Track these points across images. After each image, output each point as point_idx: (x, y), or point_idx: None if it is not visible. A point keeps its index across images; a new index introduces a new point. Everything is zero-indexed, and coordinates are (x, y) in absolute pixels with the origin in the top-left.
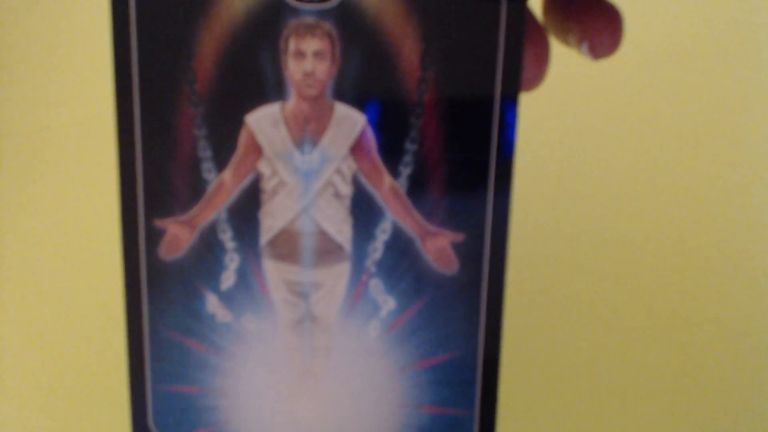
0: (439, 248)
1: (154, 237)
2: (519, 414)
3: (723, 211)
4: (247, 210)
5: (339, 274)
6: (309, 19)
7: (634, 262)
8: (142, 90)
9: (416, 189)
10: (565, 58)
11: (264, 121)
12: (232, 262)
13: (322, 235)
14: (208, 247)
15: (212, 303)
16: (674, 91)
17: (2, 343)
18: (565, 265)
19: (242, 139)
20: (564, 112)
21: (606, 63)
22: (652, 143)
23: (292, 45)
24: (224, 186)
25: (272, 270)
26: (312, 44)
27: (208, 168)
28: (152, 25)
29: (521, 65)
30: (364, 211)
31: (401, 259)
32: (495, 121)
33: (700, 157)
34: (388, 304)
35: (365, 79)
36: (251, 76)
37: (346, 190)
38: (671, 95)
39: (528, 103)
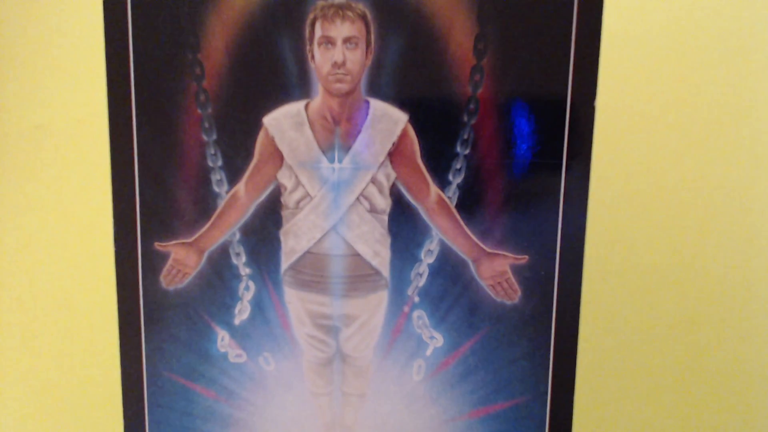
0: (497, 273)
1: (155, 263)
2: None
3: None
4: (265, 229)
5: (375, 305)
6: None
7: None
8: (139, 88)
9: (469, 202)
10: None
11: (285, 123)
12: (247, 291)
13: (355, 258)
14: (218, 274)
15: (223, 340)
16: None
17: None
18: (650, 291)
19: (259, 144)
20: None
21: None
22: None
23: (319, 30)
24: (238, 201)
25: (295, 300)
26: (343, 29)
27: (218, 180)
28: (150, 12)
29: (599, 49)
30: (405, 229)
31: (451, 287)
32: (568, 118)
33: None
34: (435, 340)
35: (407, 71)
36: (269, 69)
37: (384, 203)
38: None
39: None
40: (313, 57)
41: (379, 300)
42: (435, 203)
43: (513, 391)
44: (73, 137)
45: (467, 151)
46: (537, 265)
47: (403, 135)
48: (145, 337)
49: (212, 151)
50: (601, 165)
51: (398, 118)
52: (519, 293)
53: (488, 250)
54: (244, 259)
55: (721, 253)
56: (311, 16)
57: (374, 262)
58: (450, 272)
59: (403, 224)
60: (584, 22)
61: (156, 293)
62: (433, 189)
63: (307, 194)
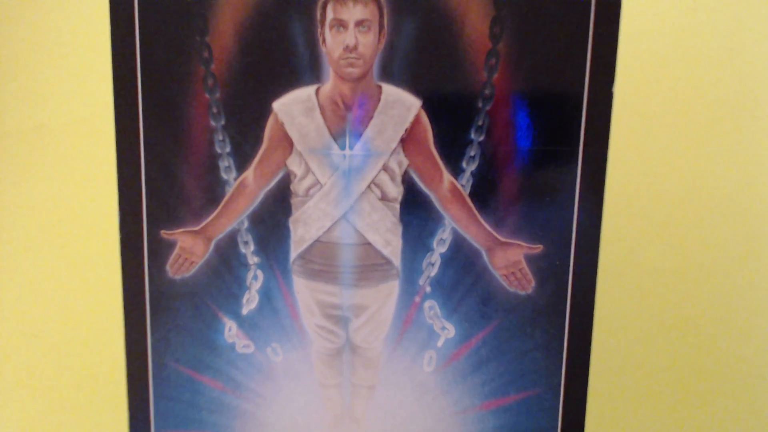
0: (510, 263)
1: (161, 251)
2: None
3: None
4: (273, 218)
5: (386, 294)
6: None
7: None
8: (145, 72)
9: (483, 190)
10: None
11: (295, 109)
12: (255, 280)
13: (366, 247)
14: (226, 263)
15: (231, 330)
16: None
17: None
18: (666, 283)
19: (268, 130)
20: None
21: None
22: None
23: (330, 13)
24: (246, 188)
25: (304, 290)
26: (355, 12)
27: (226, 166)
28: None
29: (618, 34)
30: (417, 217)
31: (463, 277)
32: (585, 105)
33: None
34: (447, 331)
35: (421, 55)
36: (279, 53)
37: (396, 191)
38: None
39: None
40: (324, 40)
41: (390, 290)
42: (448, 191)
43: (526, 383)
44: (78, 121)
45: (481, 138)
46: (552, 255)
47: (416, 121)
48: (151, 327)
49: (220, 137)
50: (618, 153)
51: (411, 104)
52: (533, 283)
53: (502, 239)
54: (252, 247)
55: (739, 246)
56: None
57: (385, 252)
58: (462, 262)
59: (415, 213)
60: (604, 5)
61: (162, 282)
62: (446, 177)
63: (317, 182)
